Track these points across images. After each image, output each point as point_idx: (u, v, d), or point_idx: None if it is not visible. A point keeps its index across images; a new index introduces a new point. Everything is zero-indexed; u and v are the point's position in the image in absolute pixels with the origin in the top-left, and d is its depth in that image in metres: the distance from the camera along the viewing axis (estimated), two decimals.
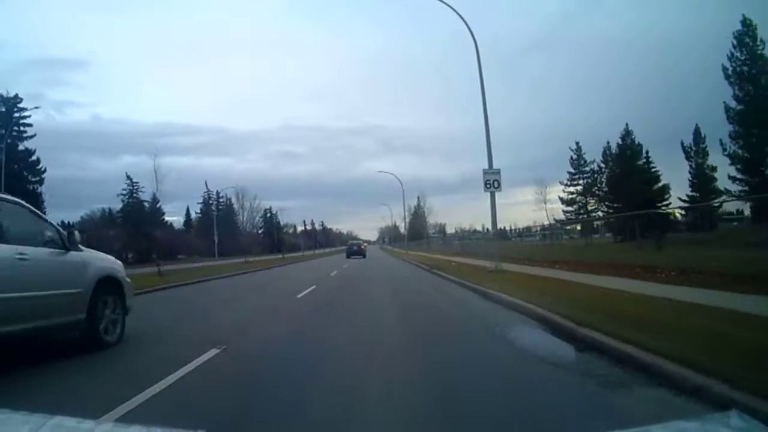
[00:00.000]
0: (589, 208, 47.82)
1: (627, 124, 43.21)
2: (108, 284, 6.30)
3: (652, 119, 62.02)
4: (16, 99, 41.56)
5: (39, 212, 6.12)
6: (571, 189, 50.09)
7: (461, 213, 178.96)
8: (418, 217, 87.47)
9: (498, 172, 16.42)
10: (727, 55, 33.11)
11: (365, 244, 62.11)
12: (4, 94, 41.20)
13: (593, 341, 5.29)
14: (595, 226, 32.25)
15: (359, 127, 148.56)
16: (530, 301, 8.15)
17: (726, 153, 33.78)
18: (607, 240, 27.92)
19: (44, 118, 70.92)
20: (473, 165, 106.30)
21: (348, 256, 43.24)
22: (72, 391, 4.15)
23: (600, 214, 44.50)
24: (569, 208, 49.72)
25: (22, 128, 42.30)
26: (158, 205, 54.49)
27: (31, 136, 42.89)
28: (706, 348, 4.16)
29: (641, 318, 5.85)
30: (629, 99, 71.86)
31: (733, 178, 34.04)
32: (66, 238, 5.87)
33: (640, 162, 41.38)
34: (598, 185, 47.18)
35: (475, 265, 20.70)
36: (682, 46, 66.88)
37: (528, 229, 50.21)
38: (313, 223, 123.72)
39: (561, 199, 50.92)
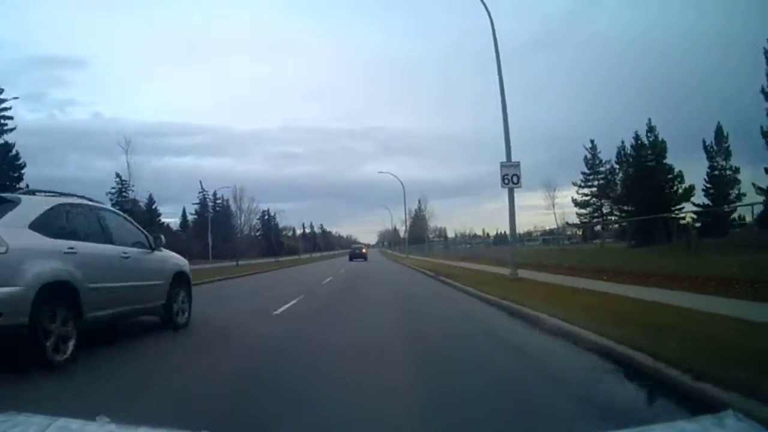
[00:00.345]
0: (604, 211, 44.89)
1: (650, 120, 38.68)
2: (180, 278, 7.59)
3: (671, 120, 57.65)
4: None
5: (132, 220, 7.55)
6: (586, 190, 47.08)
7: (461, 217, 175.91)
8: (419, 220, 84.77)
9: (517, 165, 14.09)
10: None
11: (365, 248, 63.60)
12: None
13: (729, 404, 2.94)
14: (602, 229, 29.73)
15: (359, 129, 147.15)
16: (603, 334, 5.44)
17: None
18: (619, 245, 25.17)
19: (47, 116, 72.18)
20: (472, 168, 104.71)
21: (351, 259, 49.21)
22: None
23: (613, 217, 41.70)
24: (583, 211, 46.76)
25: (2, 120, 38.63)
26: (154, 206, 52.71)
27: (11, 129, 39.01)
28: None
29: None
30: (646, 99, 67.53)
31: None
32: (152, 241, 7.17)
33: (665, 160, 37.11)
34: (611, 187, 44.09)
35: (486, 272, 18.67)
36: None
37: (529, 233, 47.63)
38: (312, 227, 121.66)
39: (574, 201, 48.02)
